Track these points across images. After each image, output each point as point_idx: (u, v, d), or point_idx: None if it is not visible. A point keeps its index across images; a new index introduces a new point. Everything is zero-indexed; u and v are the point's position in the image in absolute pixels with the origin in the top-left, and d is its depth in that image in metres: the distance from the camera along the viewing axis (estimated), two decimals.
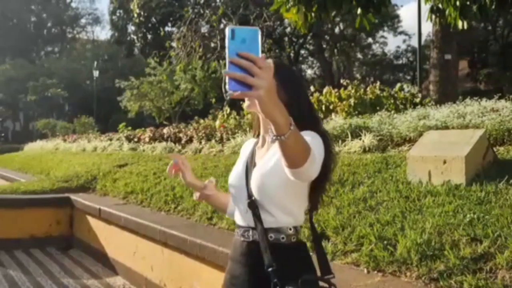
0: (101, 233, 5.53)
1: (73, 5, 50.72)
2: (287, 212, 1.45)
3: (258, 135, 1.60)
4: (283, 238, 1.44)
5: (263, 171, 1.46)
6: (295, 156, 1.18)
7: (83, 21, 50.95)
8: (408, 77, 32.92)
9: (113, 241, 5.22)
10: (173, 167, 1.68)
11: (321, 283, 1.49)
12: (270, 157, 1.44)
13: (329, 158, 1.43)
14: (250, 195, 1.48)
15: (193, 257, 3.60)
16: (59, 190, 7.00)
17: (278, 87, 1.37)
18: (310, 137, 1.34)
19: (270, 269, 1.38)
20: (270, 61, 1.41)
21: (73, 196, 6.43)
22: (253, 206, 1.46)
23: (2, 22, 42.88)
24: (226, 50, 1.06)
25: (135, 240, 4.58)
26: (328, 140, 1.45)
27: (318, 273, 1.52)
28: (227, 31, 1.08)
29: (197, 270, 3.57)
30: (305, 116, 1.45)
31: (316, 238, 1.57)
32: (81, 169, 8.31)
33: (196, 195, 1.73)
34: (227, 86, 1.05)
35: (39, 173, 10.42)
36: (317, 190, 1.50)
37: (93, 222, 5.72)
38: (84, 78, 35.79)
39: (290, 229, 1.45)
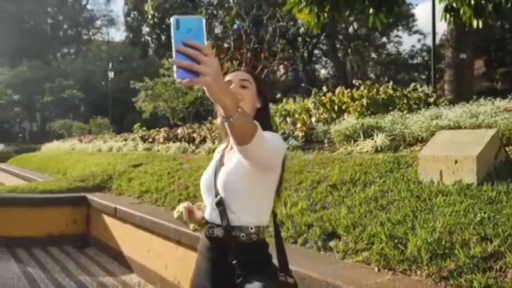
0: (116, 231, 5.63)
1: (89, 7, 51.42)
2: (249, 212, 1.53)
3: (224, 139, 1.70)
4: (243, 236, 1.52)
5: (228, 170, 1.55)
6: (242, 134, 1.24)
7: (98, 22, 51.57)
8: (423, 77, 32.61)
9: (128, 240, 5.31)
10: (188, 211, 1.70)
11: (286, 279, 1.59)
12: (235, 157, 1.52)
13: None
14: (216, 194, 1.56)
15: None
16: (75, 189, 7.13)
17: (257, 94, 1.62)
18: (273, 134, 1.50)
19: (234, 262, 1.49)
20: (240, 73, 1.60)
21: (89, 196, 6.55)
22: (219, 204, 1.55)
23: (19, 25, 43.60)
24: (172, 40, 1.09)
25: (150, 239, 4.66)
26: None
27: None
28: (172, 21, 1.11)
29: None
30: (269, 120, 1.64)
31: (277, 235, 1.66)
32: (97, 169, 8.45)
33: (194, 226, 1.72)
34: (175, 75, 1.09)
35: (56, 173, 10.61)
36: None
37: (109, 221, 5.83)
38: (99, 79, 36.26)
39: (252, 228, 1.52)
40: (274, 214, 1.65)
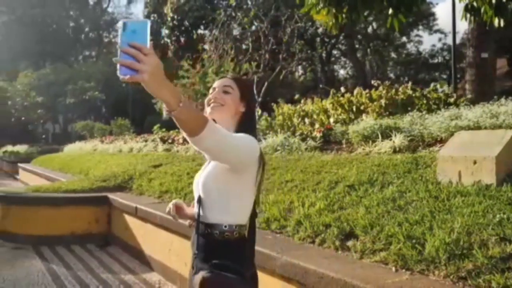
0: (137, 230, 5.74)
1: (110, 10, 52.22)
2: (222, 210, 1.63)
3: None
4: (216, 233, 1.62)
5: (208, 169, 1.67)
6: (190, 126, 1.33)
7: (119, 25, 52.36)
8: (444, 76, 32.14)
9: (149, 239, 5.41)
10: (176, 207, 1.86)
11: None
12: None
13: (263, 169, 1.67)
14: (199, 193, 1.70)
15: None
16: (97, 189, 7.28)
17: (240, 99, 1.72)
18: (244, 136, 1.59)
19: (196, 253, 1.64)
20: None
21: (110, 195, 6.68)
22: (198, 202, 1.68)
23: (42, 28, 44.60)
24: (119, 41, 1.19)
25: (170, 238, 4.74)
26: (263, 153, 1.67)
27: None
28: (120, 24, 1.21)
29: None
30: (253, 124, 1.74)
31: (250, 234, 1.71)
32: (118, 169, 8.60)
33: (189, 222, 1.86)
34: (118, 72, 1.19)
35: (78, 173, 10.83)
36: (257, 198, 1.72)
37: (130, 220, 5.94)
38: (119, 81, 36.62)
39: (225, 226, 1.62)
40: (253, 214, 1.72)
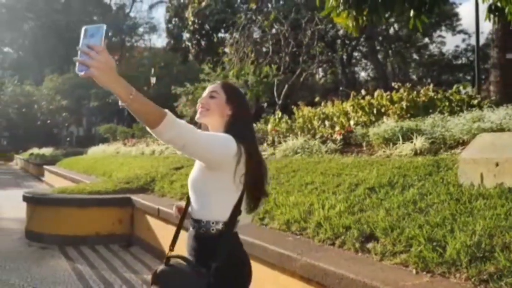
0: (159, 231, 5.84)
1: (132, 14, 53.06)
2: (204, 207, 1.75)
3: None
4: (199, 228, 1.76)
5: (194, 169, 1.82)
6: (146, 118, 1.48)
7: (140, 30, 53.13)
8: (468, 78, 31.58)
9: (171, 239, 5.48)
10: (177, 209, 2.04)
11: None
12: None
13: (254, 168, 1.75)
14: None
15: None
16: (120, 191, 7.42)
17: (226, 102, 1.83)
18: (220, 135, 1.72)
19: (190, 248, 1.82)
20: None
21: (133, 197, 6.81)
22: (187, 199, 1.86)
23: (67, 34, 45.59)
24: (80, 44, 1.38)
25: None
26: (252, 152, 1.75)
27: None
28: (82, 30, 1.42)
29: None
30: (242, 127, 1.79)
31: (226, 231, 1.76)
32: (140, 172, 8.75)
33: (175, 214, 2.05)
34: (76, 69, 1.39)
35: (102, 175, 11.05)
36: (250, 191, 1.78)
37: (152, 221, 6.04)
38: (141, 85, 37.25)
39: (203, 222, 1.74)
40: (236, 211, 1.76)
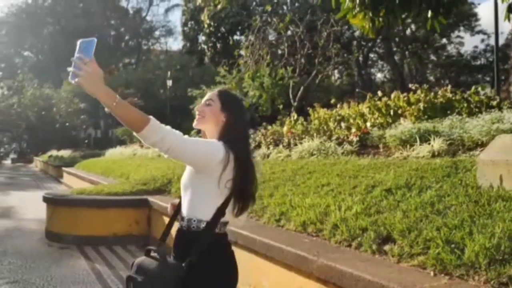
0: (175, 232, 5.87)
1: (148, 18, 53.61)
2: (191, 206, 1.85)
3: None
4: (185, 226, 1.86)
5: (185, 171, 1.92)
6: (129, 123, 1.62)
7: (157, 33, 53.67)
8: (488, 79, 31.10)
9: None
10: (171, 206, 2.12)
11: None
12: None
13: (242, 175, 1.83)
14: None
15: (262, 256, 3.77)
16: (138, 192, 7.50)
17: (221, 110, 1.91)
18: (208, 141, 1.86)
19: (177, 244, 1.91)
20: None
21: (150, 198, 6.88)
22: (180, 199, 1.95)
23: (85, 37, 46.23)
24: (74, 55, 1.58)
25: None
26: (242, 159, 1.83)
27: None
28: (78, 42, 1.61)
29: (265, 269, 3.74)
30: (235, 134, 1.87)
31: (208, 229, 1.83)
32: (157, 173, 8.83)
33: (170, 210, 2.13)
34: (69, 78, 1.57)
35: (119, 177, 11.18)
36: (237, 196, 1.86)
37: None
38: (158, 87, 37.65)
39: (194, 220, 1.83)
40: (219, 213, 1.82)
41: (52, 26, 48.35)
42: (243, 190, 1.86)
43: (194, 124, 1.97)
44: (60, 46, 44.44)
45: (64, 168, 19.41)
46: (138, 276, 1.78)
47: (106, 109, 1.63)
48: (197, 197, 1.84)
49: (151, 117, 1.66)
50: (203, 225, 1.81)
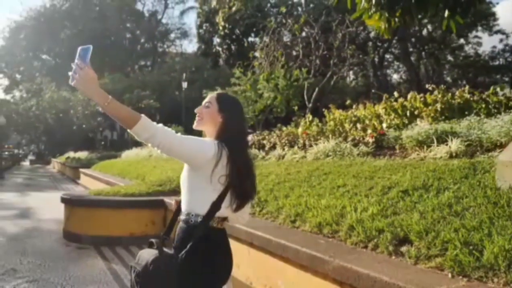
0: None
1: (164, 21, 53.97)
2: (187, 201, 2.00)
3: None
4: (184, 220, 2.00)
5: (184, 169, 2.04)
6: (122, 121, 1.80)
7: (172, 35, 54.01)
8: (506, 79, 30.59)
9: None
10: (175, 202, 2.29)
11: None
12: None
13: (237, 171, 1.95)
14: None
15: (277, 257, 3.77)
16: (153, 193, 7.56)
17: (218, 111, 2.05)
18: (201, 139, 1.97)
19: (177, 233, 2.03)
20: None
21: (166, 199, 6.92)
22: (179, 194, 2.10)
23: (102, 41, 46.85)
24: (75, 61, 1.80)
25: None
26: (236, 157, 1.95)
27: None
28: (78, 49, 1.83)
29: (281, 269, 3.74)
30: (231, 134, 1.99)
31: (204, 222, 1.96)
32: (172, 174, 8.88)
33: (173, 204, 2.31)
34: (69, 80, 1.79)
35: (135, 178, 11.28)
36: (233, 192, 1.98)
37: None
38: (173, 89, 37.93)
39: (193, 215, 1.96)
40: (214, 208, 1.95)
41: (70, 30, 49.01)
42: (238, 186, 1.97)
43: (194, 125, 2.10)
44: (77, 49, 45.05)
45: (81, 170, 19.68)
46: (138, 265, 1.93)
47: (100, 109, 1.82)
48: (193, 193, 1.97)
49: (142, 115, 1.81)
50: (200, 219, 1.94)
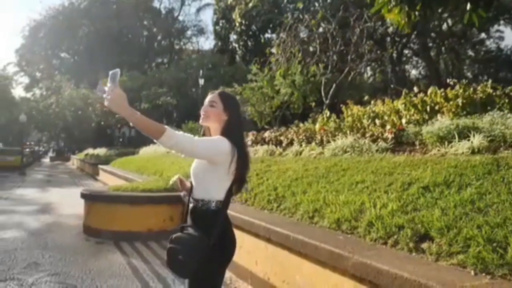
0: None
1: (180, 18, 54.19)
2: (202, 190, 2.27)
3: None
4: (199, 205, 2.27)
5: (197, 161, 2.32)
6: (149, 133, 2.03)
7: (189, 32, 54.21)
8: None
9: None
10: (180, 181, 2.59)
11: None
12: None
13: (241, 164, 2.27)
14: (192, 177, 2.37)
15: (295, 253, 3.76)
16: (171, 189, 7.58)
17: (223, 110, 2.34)
18: (215, 139, 2.26)
19: (189, 218, 2.33)
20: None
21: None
22: (192, 185, 2.37)
23: (120, 39, 47.33)
24: (108, 84, 2.01)
25: (241, 236, 4.85)
26: (241, 153, 2.26)
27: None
28: (109, 74, 2.03)
29: (299, 265, 3.73)
30: (234, 131, 2.30)
31: (223, 208, 2.28)
32: (190, 170, 8.91)
33: (184, 194, 2.55)
34: (104, 102, 2.01)
35: (153, 174, 11.38)
36: (236, 181, 2.30)
37: None
38: (190, 86, 38.13)
39: (213, 202, 2.25)
40: (229, 194, 2.28)
41: (87, 28, 49.60)
42: (242, 175, 2.31)
43: (200, 122, 2.39)
44: (95, 47, 45.57)
45: (100, 166, 19.93)
46: (175, 245, 2.21)
47: (131, 124, 2.05)
48: (212, 183, 2.25)
49: (166, 127, 2.08)
50: (219, 204, 2.25)
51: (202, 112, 2.36)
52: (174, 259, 2.21)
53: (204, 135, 2.45)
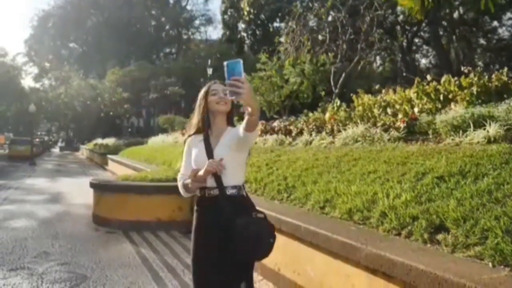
0: None
1: (188, 7, 54.01)
2: (233, 176, 2.33)
3: (202, 131, 2.46)
4: (232, 191, 2.32)
5: (221, 150, 2.34)
6: (255, 126, 2.13)
7: (197, 22, 54.03)
8: None
9: None
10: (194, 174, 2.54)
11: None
12: (226, 141, 2.35)
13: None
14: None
15: (306, 243, 3.70)
16: None
17: (230, 101, 2.38)
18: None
19: (227, 208, 2.27)
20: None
21: None
22: (216, 173, 2.31)
23: (128, 29, 47.27)
24: (226, 76, 1.93)
25: None
26: None
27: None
28: (224, 64, 1.95)
29: (310, 256, 3.67)
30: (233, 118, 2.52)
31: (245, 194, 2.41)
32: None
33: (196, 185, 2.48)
34: (228, 95, 1.98)
35: (162, 164, 11.37)
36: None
37: None
38: (198, 76, 38.04)
39: (241, 187, 2.36)
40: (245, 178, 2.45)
41: (96, 18, 49.63)
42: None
43: (221, 109, 2.42)
44: (104, 37, 45.61)
45: (109, 156, 20.01)
46: (257, 230, 2.25)
47: (247, 115, 2.04)
48: (238, 168, 2.37)
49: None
50: (241, 189, 2.36)
51: (222, 101, 2.41)
52: (264, 244, 2.27)
53: (205, 121, 2.45)
